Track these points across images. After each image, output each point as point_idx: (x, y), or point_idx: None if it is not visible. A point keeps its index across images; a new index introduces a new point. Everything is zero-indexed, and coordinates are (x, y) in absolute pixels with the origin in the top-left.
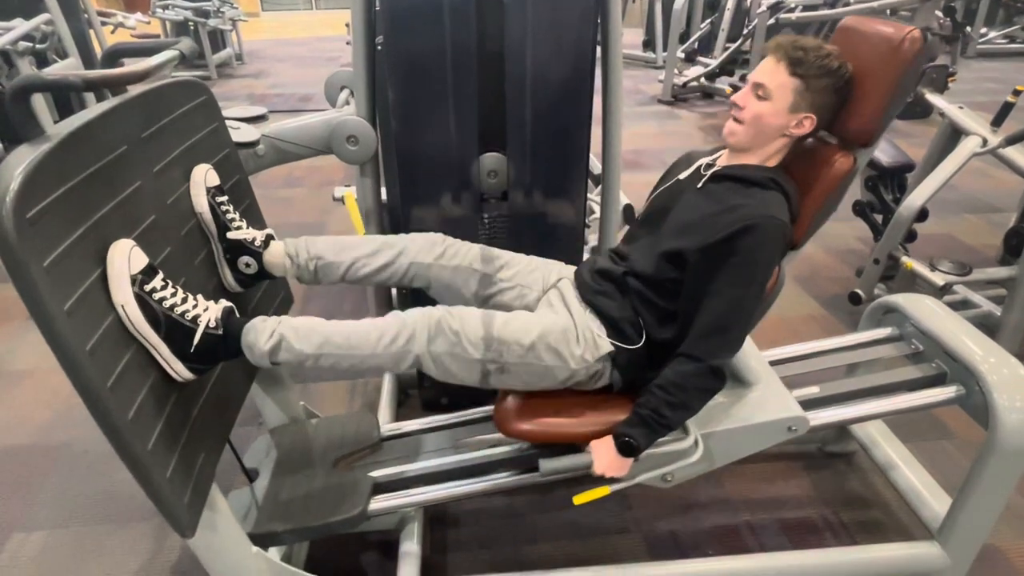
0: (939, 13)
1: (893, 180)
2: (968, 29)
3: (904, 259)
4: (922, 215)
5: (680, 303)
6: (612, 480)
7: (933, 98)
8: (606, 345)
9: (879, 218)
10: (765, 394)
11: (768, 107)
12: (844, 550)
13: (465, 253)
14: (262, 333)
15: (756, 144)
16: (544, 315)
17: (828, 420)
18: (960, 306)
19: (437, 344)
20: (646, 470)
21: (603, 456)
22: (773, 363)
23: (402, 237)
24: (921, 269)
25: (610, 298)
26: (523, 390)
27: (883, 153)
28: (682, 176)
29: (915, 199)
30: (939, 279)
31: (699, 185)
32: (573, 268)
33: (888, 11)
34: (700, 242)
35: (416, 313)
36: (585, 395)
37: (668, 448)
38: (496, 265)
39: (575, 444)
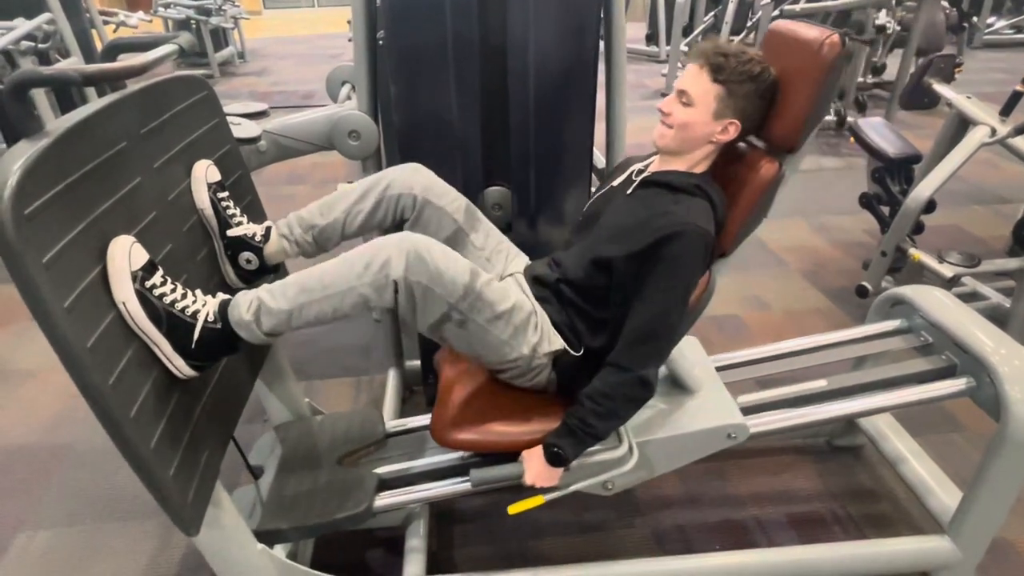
0: (945, 3)
1: (900, 171)
2: (975, 19)
3: (912, 251)
4: (930, 206)
5: (609, 311)
6: (546, 489)
7: (940, 88)
8: (558, 342)
9: (886, 210)
10: (706, 401)
11: (692, 114)
12: (853, 544)
13: (452, 199)
14: (242, 305)
15: (684, 149)
16: (517, 293)
17: (836, 414)
18: (969, 298)
19: (416, 272)
20: (582, 478)
21: (533, 466)
22: (777, 357)
23: (383, 172)
24: (929, 261)
25: (549, 303)
26: (465, 352)
27: (890, 144)
28: (615, 182)
29: (923, 190)
30: (947, 271)
31: (629, 191)
32: (526, 263)
33: (893, 1)
34: (626, 249)
35: (389, 237)
36: (523, 404)
37: (601, 457)
38: (473, 224)
39: (516, 452)
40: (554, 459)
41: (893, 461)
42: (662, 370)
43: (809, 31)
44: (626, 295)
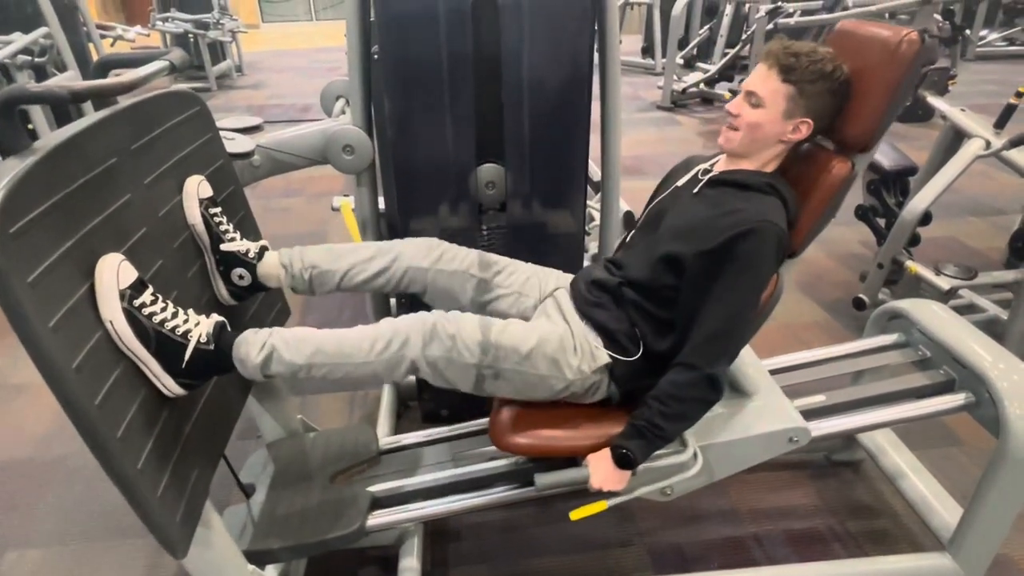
0: (938, 16)
1: (895, 184)
2: (967, 32)
3: (908, 263)
4: (926, 219)
5: (677, 311)
6: (610, 494)
7: (935, 101)
8: (603, 356)
9: (882, 222)
10: (765, 404)
11: (762, 114)
12: (853, 562)
13: (463, 258)
14: (253, 346)
15: (752, 150)
16: (542, 324)
17: (834, 429)
18: (966, 310)
19: (432, 348)
20: (644, 484)
21: (600, 470)
22: (777, 371)
23: (397, 242)
24: (926, 273)
25: (605, 309)
26: (518, 398)
27: (885, 157)
28: (680, 182)
29: (918, 203)
30: (944, 283)
31: (696, 190)
32: (570, 277)
33: (887, 15)
34: (697, 247)
35: (409, 318)
36: (582, 408)
37: (666, 461)
38: (494, 271)
39: (573, 457)
40: (622, 462)
41: (892, 476)
42: None
43: (883, 30)
44: (697, 294)
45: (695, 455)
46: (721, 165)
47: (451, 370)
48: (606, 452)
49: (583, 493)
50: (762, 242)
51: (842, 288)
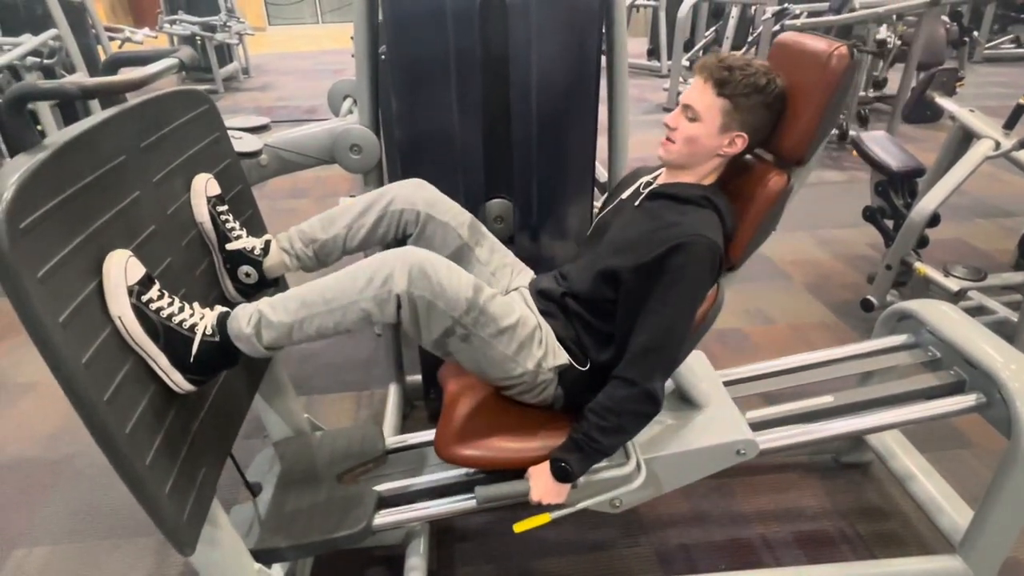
0: (946, 18)
1: (903, 185)
2: (975, 33)
3: (917, 265)
4: (934, 220)
5: (616, 325)
6: (554, 507)
7: (943, 102)
8: (563, 357)
9: (890, 223)
10: (714, 416)
11: (698, 128)
12: (862, 564)
13: (456, 214)
14: (242, 318)
15: (690, 163)
16: (522, 307)
17: (843, 430)
18: (975, 312)
19: (419, 287)
20: (589, 496)
21: (540, 483)
22: (783, 372)
23: (386, 187)
24: (935, 275)
25: (554, 318)
26: (470, 369)
27: (893, 158)
28: (624, 195)
29: (927, 204)
30: (953, 285)
31: (637, 203)
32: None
33: (894, 16)
34: (633, 261)
35: (392, 252)
36: (528, 420)
37: (609, 474)
38: (478, 239)
39: (521, 469)
40: (561, 475)
41: (902, 478)
42: (669, 384)
43: (817, 43)
44: (633, 308)
45: (639, 467)
46: (662, 178)
47: (427, 315)
48: (546, 465)
49: (529, 504)
50: (694, 256)
51: (850, 290)
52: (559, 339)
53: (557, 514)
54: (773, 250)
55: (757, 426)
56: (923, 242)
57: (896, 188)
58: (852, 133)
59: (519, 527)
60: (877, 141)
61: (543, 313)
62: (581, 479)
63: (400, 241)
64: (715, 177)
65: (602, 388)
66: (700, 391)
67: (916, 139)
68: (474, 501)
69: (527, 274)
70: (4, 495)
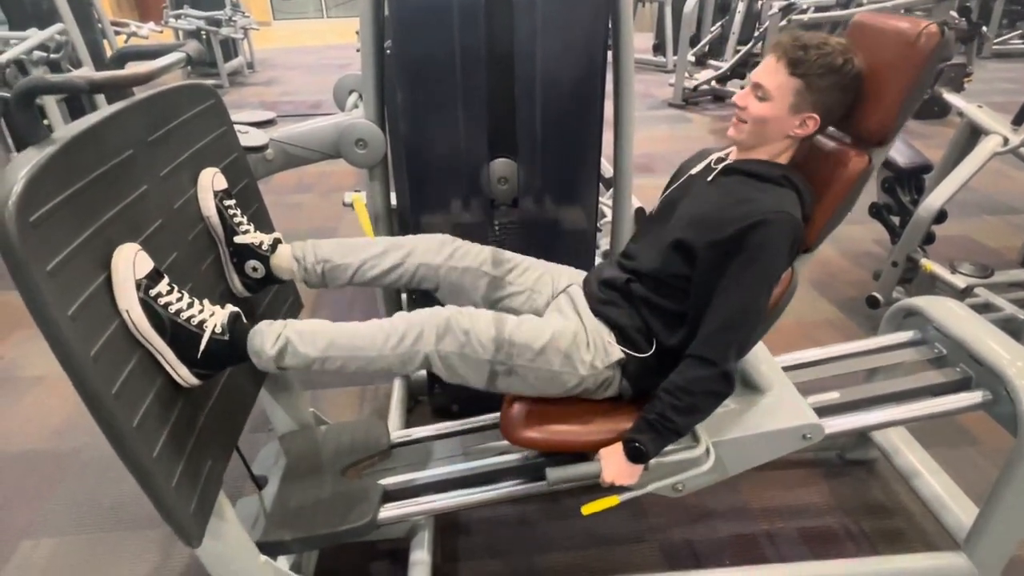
0: (954, 13)
1: (910, 181)
2: (984, 29)
3: (923, 261)
4: (941, 216)
5: (688, 304)
6: (622, 489)
7: (951, 97)
8: (616, 352)
9: (896, 220)
10: (778, 400)
11: (768, 108)
12: (866, 560)
13: (476, 255)
14: (268, 338)
15: (760, 143)
16: (555, 320)
17: (848, 427)
18: (982, 309)
19: (446, 343)
20: (656, 479)
21: (612, 464)
22: (790, 368)
23: (410, 238)
24: (941, 271)
25: (616, 306)
26: (531, 394)
27: (899, 154)
28: (694, 171)
29: (934, 200)
30: (960, 281)
31: (710, 178)
32: (583, 274)
33: (902, 10)
34: (709, 236)
35: (423, 313)
36: (594, 403)
37: (678, 456)
38: (506, 268)
39: (584, 453)
40: (635, 455)
41: (907, 475)
42: None
43: (903, 21)
44: (708, 285)
45: (707, 451)
46: (734, 155)
47: (464, 366)
48: (618, 446)
49: (594, 488)
50: (775, 234)
51: (856, 287)
52: (621, 328)
53: (625, 496)
54: None
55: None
56: (930, 239)
57: (903, 184)
58: None
59: (587, 509)
60: None
61: (606, 303)
62: (652, 461)
63: (419, 293)
64: (789, 156)
65: (669, 372)
66: (762, 375)
67: (923, 135)
68: (544, 483)
69: (568, 273)
70: (12, 487)
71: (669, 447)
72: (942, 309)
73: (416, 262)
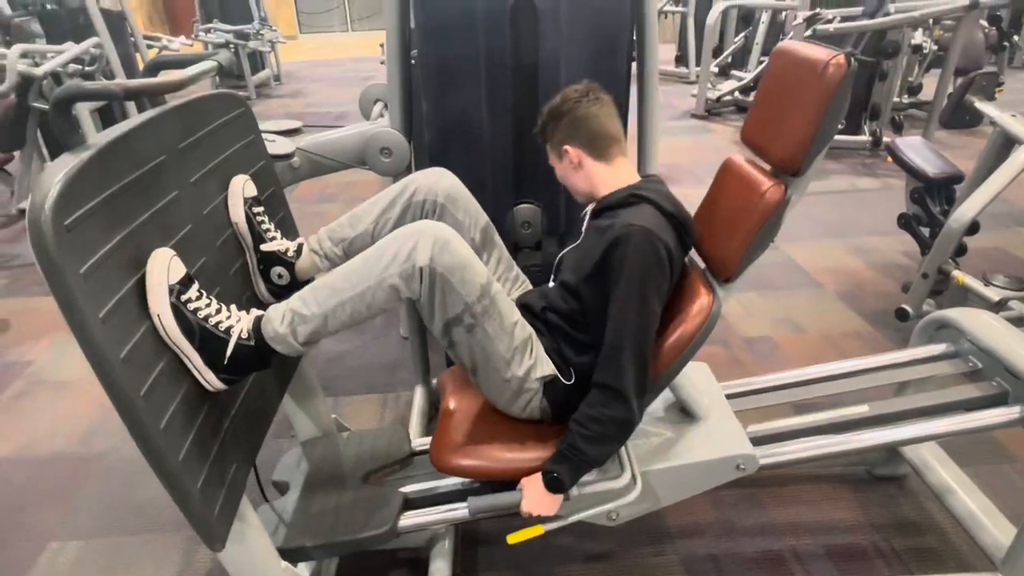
0: (984, 23)
1: (940, 192)
2: (1015, 38)
3: (955, 273)
4: (973, 228)
5: (591, 335)
6: (547, 518)
7: (983, 107)
8: (550, 368)
9: (926, 231)
10: (714, 429)
11: (558, 172)
12: None
13: (473, 214)
14: (275, 319)
15: (585, 190)
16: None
17: (878, 441)
18: (1017, 323)
19: (440, 261)
20: (584, 508)
21: (532, 494)
22: (817, 381)
23: (409, 178)
24: (974, 284)
25: (538, 332)
26: (466, 364)
27: (929, 164)
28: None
29: (966, 211)
30: (994, 294)
31: (583, 228)
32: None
33: (931, 21)
34: (585, 271)
35: (416, 225)
36: (523, 431)
37: (603, 486)
38: (487, 247)
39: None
40: (553, 485)
41: (939, 492)
42: (668, 396)
43: (815, 51)
44: (598, 316)
45: (634, 479)
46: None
47: (444, 293)
48: (538, 476)
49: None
50: (632, 246)
51: (884, 299)
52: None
53: (551, 526)
54: (804, 257)
55: (780, 436)
56: (961, 250)
57: (933, 195)
58: (887, 139)
59: (512, 538)
60: (913, 147)
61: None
62: (574, 491)
63: None
64: (613, 177)
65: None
66: (699, 403)
67: (953, 145)
68: (466, 511)
69: (525, 288)
70: (39, 490)
71: (593, 476)
72: (977, 321)
73: (420, 198)
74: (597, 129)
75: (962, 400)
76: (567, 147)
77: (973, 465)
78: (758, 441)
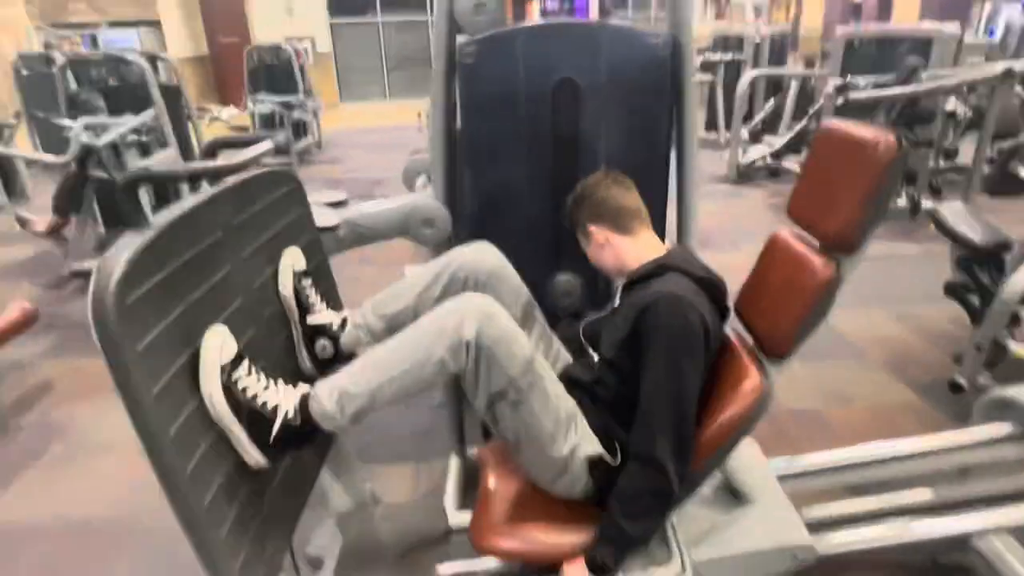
0: (1020, 88)
1: (989, 260)
2: None
3: (1013, 348)
4: None
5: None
6: None
7: None
8: (596, 447)
9: (975, 300)
10: (767, 514)
11: (592, 255)
12: None
13: (514, 289)
14: (324, 397)
15: (616, 267)
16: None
17: (945, 532)
18: None
19: (486, 334)
20: None
21: None
22: (874, 463)
23: (452, 252)
24: None
25: (584, 407)
26: (510, 440)
27: (975, 232)
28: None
29: (1019, 281)
30: None
31: (616, 303)
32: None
33: (965, 88)
34: (618, 345)
35: (461, 298)
36: (566, 511)
37: (651, 573)
38: (528, 322)
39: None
40: (596, 568)
41: None
42: (716, 475)
43: (864, 131)
44: (634, 388)
45: (683, 567)
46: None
47: (489, 367)
48: (581, 560)
49: None
50: (663, 312)
51: (933, 369)
52: (591, 429)
53: None
54: (848, 326)
55: (837, 523)
56: (1016, 320)
57: (981, 264)
58: (927, 205)
59: None
60: (957, 214)
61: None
62: (620, 575)
63: None
64: (640, 251)
65: None
66: (750, 485)
67: (994, 210)
68: None
69: (565, 362)
70: (76, 555)
71: (641, 560)
72: None
73: (462, 276)
74: (616, 206)
75: None
76: (592, 227)
77: None
78: (814, 528)
